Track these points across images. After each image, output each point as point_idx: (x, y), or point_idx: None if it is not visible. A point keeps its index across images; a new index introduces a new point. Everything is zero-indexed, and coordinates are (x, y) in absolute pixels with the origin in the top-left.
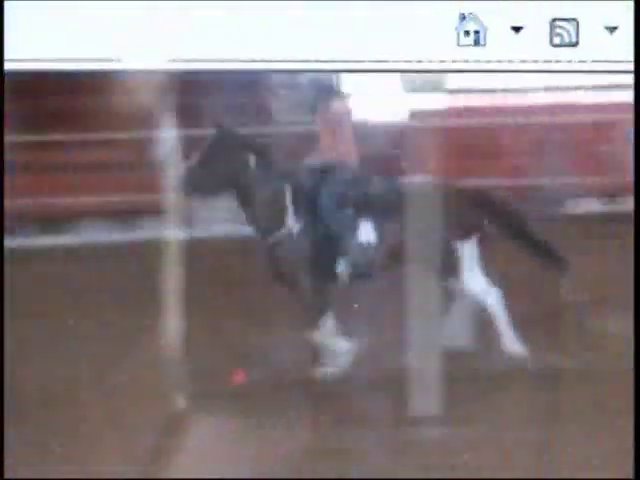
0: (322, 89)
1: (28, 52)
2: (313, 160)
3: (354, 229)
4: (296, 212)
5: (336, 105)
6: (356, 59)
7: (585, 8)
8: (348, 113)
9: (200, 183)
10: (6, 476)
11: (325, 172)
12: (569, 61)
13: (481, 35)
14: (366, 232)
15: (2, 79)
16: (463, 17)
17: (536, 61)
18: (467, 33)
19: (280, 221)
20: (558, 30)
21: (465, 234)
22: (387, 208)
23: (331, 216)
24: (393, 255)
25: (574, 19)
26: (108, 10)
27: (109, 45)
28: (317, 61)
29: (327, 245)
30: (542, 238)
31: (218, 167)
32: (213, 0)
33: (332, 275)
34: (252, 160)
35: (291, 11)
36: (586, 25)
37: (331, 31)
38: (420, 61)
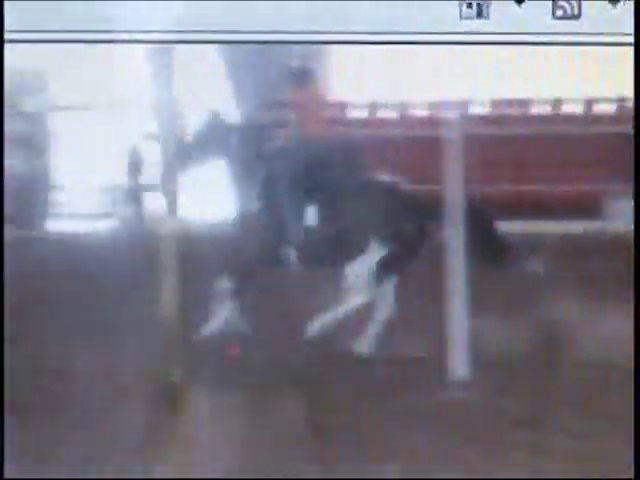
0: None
1: None
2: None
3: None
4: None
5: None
6: (355, 31)
7: None
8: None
9: None
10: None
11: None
12: (571, 33)
13: (483, 7)
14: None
15: (2, 74)
16: None
17: (538, 33)
18: (470, 5)
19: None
20: (560, 2)
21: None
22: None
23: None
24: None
25: None
26: None
27: None
28: (312, 32)
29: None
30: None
31: None
32: None
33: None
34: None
35: None
36: None
37: (327, 3)
38: (423, 33)
